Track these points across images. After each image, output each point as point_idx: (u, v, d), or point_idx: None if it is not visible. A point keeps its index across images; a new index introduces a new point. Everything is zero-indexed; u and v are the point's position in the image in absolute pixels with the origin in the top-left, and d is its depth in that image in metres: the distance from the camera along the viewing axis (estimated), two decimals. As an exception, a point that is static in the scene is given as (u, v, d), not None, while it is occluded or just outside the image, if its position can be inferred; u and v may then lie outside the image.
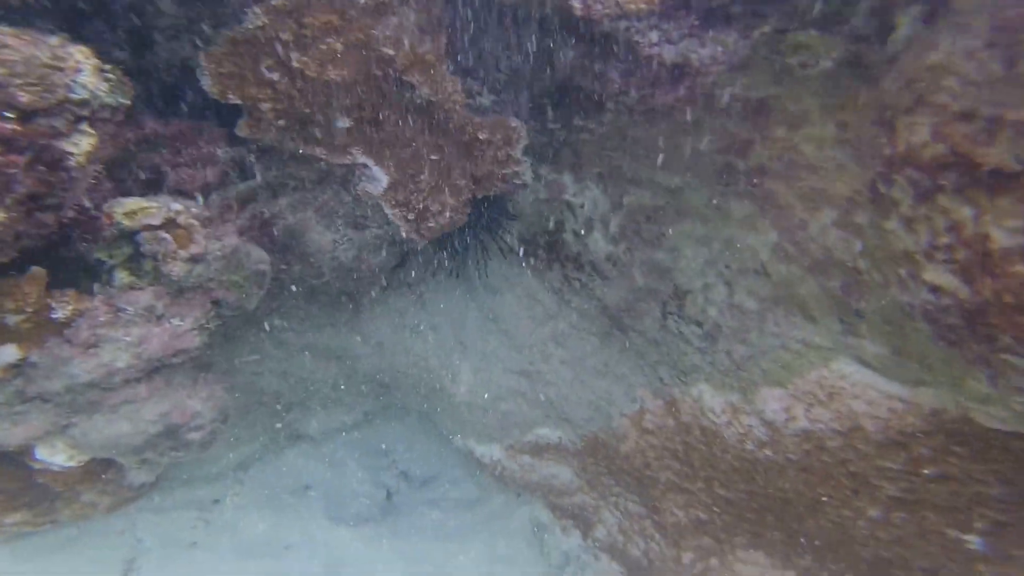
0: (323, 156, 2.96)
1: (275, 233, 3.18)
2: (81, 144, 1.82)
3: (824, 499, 2.95)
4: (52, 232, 1.96)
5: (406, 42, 2.71)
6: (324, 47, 2.55)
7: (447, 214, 3.27)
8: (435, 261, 4.01)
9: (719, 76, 2.24)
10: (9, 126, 1.64)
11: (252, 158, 2.84)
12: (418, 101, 2.86)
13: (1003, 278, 1.63)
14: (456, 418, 4.69)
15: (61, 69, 1.71)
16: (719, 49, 2.10)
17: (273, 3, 2.26)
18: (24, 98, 1.67)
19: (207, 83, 2.36)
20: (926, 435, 2.45)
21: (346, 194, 3.23)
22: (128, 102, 2.02)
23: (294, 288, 3.55)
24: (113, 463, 2.98)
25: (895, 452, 2.57)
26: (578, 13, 2.14)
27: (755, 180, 2.43)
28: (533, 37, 2.55)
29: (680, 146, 2.60)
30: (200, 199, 2.65)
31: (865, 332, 2.54)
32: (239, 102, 2.50)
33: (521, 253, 3.86)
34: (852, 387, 2.64)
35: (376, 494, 5.35)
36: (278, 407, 4.62)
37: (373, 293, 4.12)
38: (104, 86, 1.84)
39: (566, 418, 4.14)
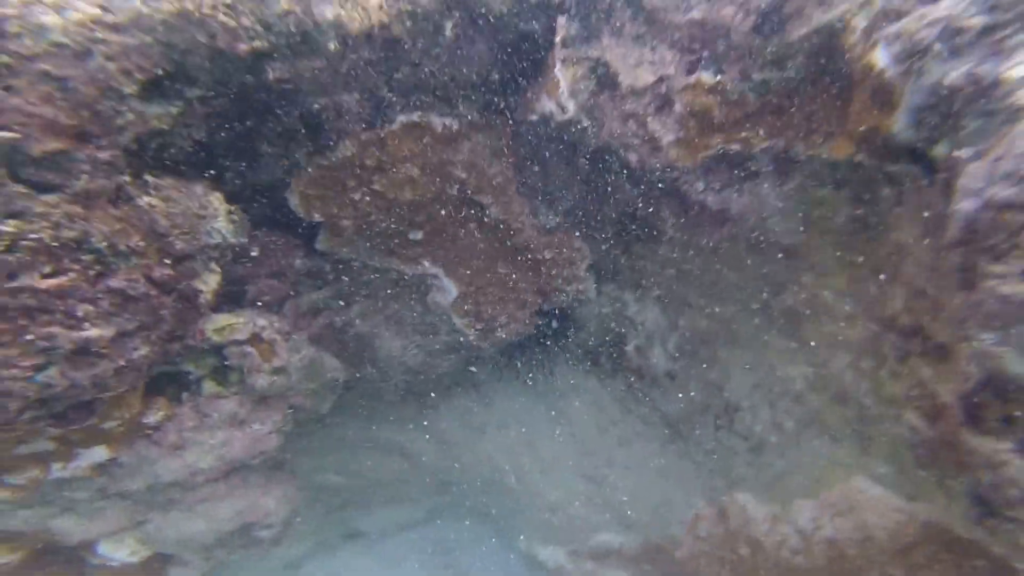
0: (396, 266, 3.19)
1: (347, 340, 3.39)
2: (210, 282, 2.07)
3: None
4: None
5: (478, 165, 2.96)
6: (402, 173, 2.81)
7: (513, 325, 3.41)
8: (502, 366, 4.13)
9: (755, 222, 2.32)
10: (166, 271, 1.87)
11: (327, 267, 3.09)
12: (487, 219, 3.07)
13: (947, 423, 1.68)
14: (521, 519, 4.66)
15: (204, 217, 1.97)
16: (755, 199, 2.20)
17: (362, 137, 2.54)
18: (179, 246, 1.92)
19: (294, 202, 2.64)
20: (922, 543, 2.34)
21: (416, 303, 3.43)
22: (245, 240, 2.28)
23: (361, 392, 3.73)
24: (168, 559, 3.12)
25: (899, 558, 2.46)
26: (634, 165, 2.30)
27: (790, 319, 2.47)
28: (595, 173, 2.73)
29: (728, 281, 2.67)
30: (279, 308, 2.90)
31: (875, 454, 2.48)
32: (322, 219, 2.77)
33: (588, 363, 3.93)
34: (867, 500, 2.59)
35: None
36: (336, 502, 4.74)
37: (437, 393, 4.26)
38: (231, 228, 2.10)
39: (628, 524, 4.06)
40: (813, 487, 2.89)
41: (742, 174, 2.22)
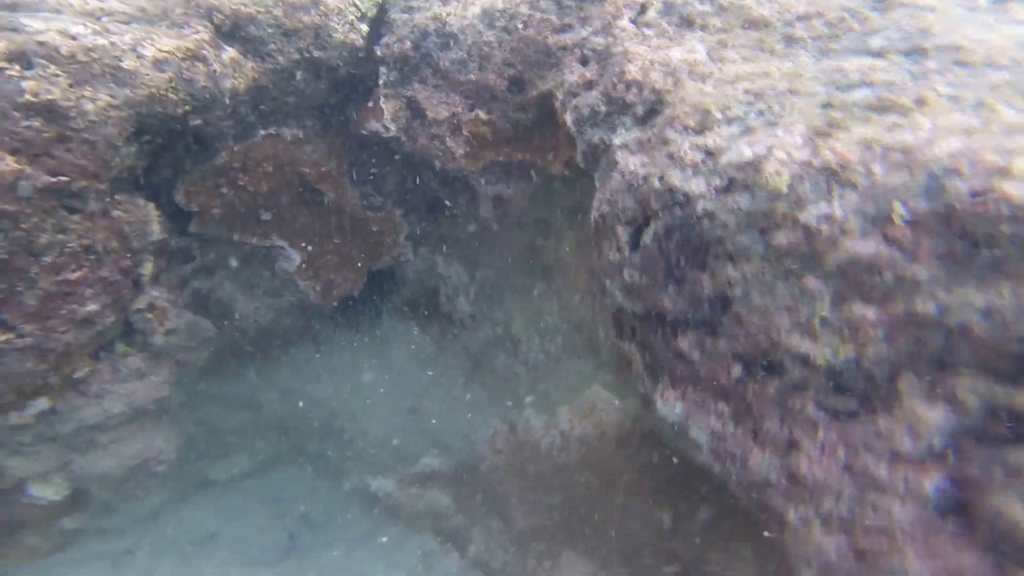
0: (249, 240, 4.17)
1: (210, 305, 4.31)
2: (148, 268, 2.95)
3: (597, 490, 4.46)
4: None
5: (318, 163, 4.03)
6: (261, 169, 3.80)
7: (347, 284, 4.57)
8: (338, 321, 5.24)
9: (518, 205, 3.78)
10: (127, 263, 2.69)
11: (195, 246, 3.99)
12: (325, 202, 4.17)
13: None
14: (353, 458, 5.84)
15: (146, 222, 2.85)
16: (516, 190, 3.66)
17: (234, 149, 3.51)
18: (135, 244, 2.76)
19: (178, 198, 3.53)
20: (634, 433, 4.03)
21: (266, 271, 4.43)
22: (166, 236, 3.15)
23: (221, 350, 4.65)
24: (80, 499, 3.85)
25: (622, 447, 4.14)
26: (438, 168, 3.59)
27: (545, 272, 3.98)
28: (410, 172, 3.99)
29: (505, 244, 4.10)
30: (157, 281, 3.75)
31: (603, 367, 4.09)
32: (196, 208, 3.68)
33: (408, 313, 5.20)
34: (600, 403, 4.15)
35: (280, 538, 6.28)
36: (195, 452, 5.55)
37: (281, 348, 5.26)
38: (159, 228, 2.97)
39: (444, 448, 5.44)
40: (569, 396, 4.37)
41: (507, 174, 3.61)
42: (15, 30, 2.20)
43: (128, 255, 2.77)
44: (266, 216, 4.13)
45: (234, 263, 4.26)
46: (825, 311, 1.90)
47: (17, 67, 2.19)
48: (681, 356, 2.20)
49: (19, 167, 2.18)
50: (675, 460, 3.83)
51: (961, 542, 1.88)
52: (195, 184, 3.53)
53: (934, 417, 1.78)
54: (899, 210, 1.77)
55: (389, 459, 5.75)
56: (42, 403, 3.02)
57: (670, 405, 2.30)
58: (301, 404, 5.62)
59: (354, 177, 4.20)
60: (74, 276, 2.45)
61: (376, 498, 5.95)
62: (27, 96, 2.15)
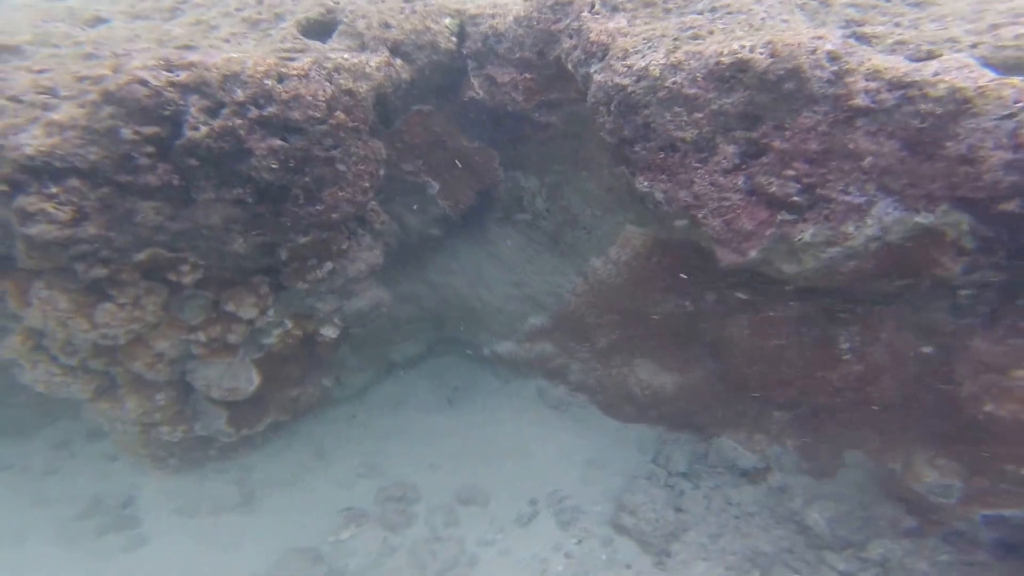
0: (408, 177, 6.81)
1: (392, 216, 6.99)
2: (381, 173, 5.80)
3: (636, 296, 6.75)
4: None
5: (443, 124, 6.64)
6: (415, 131, 6.44)
7: (467, 200, 7.14)
8: (459, 230, 7.83)
9: (562, 125, 6.26)
10: None
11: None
12: (448, 148, 6.75)
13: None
14: (484, 330, 8.34)
15: (379, 150, 5.66)
16: (560, 115, 6.15)
17: (403, 117, 6.18)
18: (375, 158, 5.64)
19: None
20: (656, 248, 6.23)
21: (419, 196, 7.06)
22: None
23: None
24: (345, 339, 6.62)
25: (652, 262, 6.42)
26: (510, 110, 6.15)
27: (588, 165, 6.40)
28: (492, 119, 6.54)
29: (559, 154, 6.56)
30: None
31: (630, 211, 6.43)
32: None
33: (504, 217, 7.72)
34: (631, 234, 6.44)
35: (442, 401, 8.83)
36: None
37: (426, 254, 7.87)
38: (384, 153, 5.87)
39: (543, 307, 7.88)
40: (613, 239, 6.67)
41: (549, 108, 6.09)
42: (327, 57, 4.88)
43: (375, 164, 5.39)
44: (419, 163, 6.77)
45: (402, 192, 6.93)
46: (685, 117, 4.29)
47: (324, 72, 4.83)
48: (638, 154, 4.60)
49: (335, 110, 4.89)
50: (683, 262, 6.14)
51: (757, 204, 4.22)
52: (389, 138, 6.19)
53: (730, 150, 4.16)
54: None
55: (507, 325, 8.26)
56: (329, 265, 5.70)
57: (642, 184, 4.71)
58: (445, 294, 8.25)
59: (463, 131, 6.79)
60: (359, 168, 5.15)
61: (503, 357, 8.47)
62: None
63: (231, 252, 4.86)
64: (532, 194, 7.28)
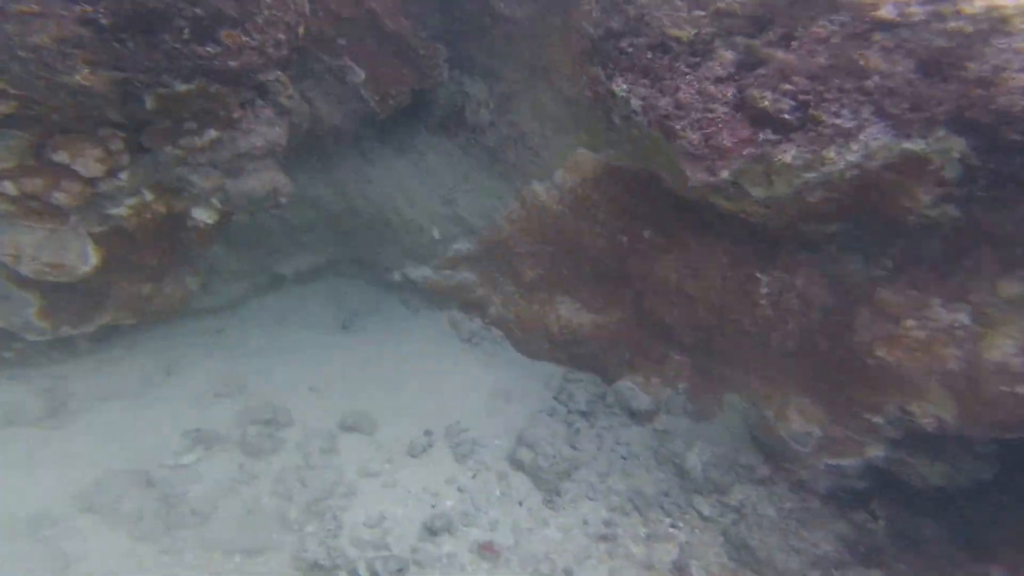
0: (327, 60, 5.57)
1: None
2: (301, 30, 4.51)
3: (587, 233, 5.95)
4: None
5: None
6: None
7: (401, 97, 5.98)
8: (384, 132, 6.67)
9: (526, 23, 5.17)
10: None
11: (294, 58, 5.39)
12: (385, 30, 5.53)
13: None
14: (397, 249, 7.33)
15: None
16: (520, 8, 5.05)
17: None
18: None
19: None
20: (605, 174, 5.48)
21: (340, 83, 5.83)
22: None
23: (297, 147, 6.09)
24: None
25: (600, 187, 5.59)
26: None
27: (542, 74, 5.40)
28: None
29: (513, 57, 5.51)
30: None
31: (584, 134, 5.53)
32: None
33: (441, 128, 6.62)
34: (583, 159, 5.59)
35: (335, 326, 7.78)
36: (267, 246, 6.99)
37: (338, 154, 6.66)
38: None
39: (471, 231, 6.94)
40: (561, 162, 5.86)
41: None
42: None
43: (296, 16, 4.17)
44: (342, 41, 5.51)
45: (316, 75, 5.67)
46: (684, 14, 3.37)
47: None
48: (623, 52, 3.69)
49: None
50: (629, 193, 5.33)
51: (741, 120, 3.43)
52: None
53: (728, 56, 3.30)
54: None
55: (426, 248, 7.26)
56: (212, 132, 4.47)
57: (620, 86, 3.83)
58: (355, 203, 7.10)
59: (407, 12, 5.56)
60: (274, 15, 3.91)
61: (416, 284, 7.50)
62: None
63: (70, 87, 3.57)
64: (478, 103, 6.26)
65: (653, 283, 5.51)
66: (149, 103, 4.00)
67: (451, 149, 6.69)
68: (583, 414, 6.02)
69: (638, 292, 5.89)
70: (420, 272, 7.41)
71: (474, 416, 5.98)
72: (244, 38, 4.08)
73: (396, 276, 7.56)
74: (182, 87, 4.02)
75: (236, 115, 4.59)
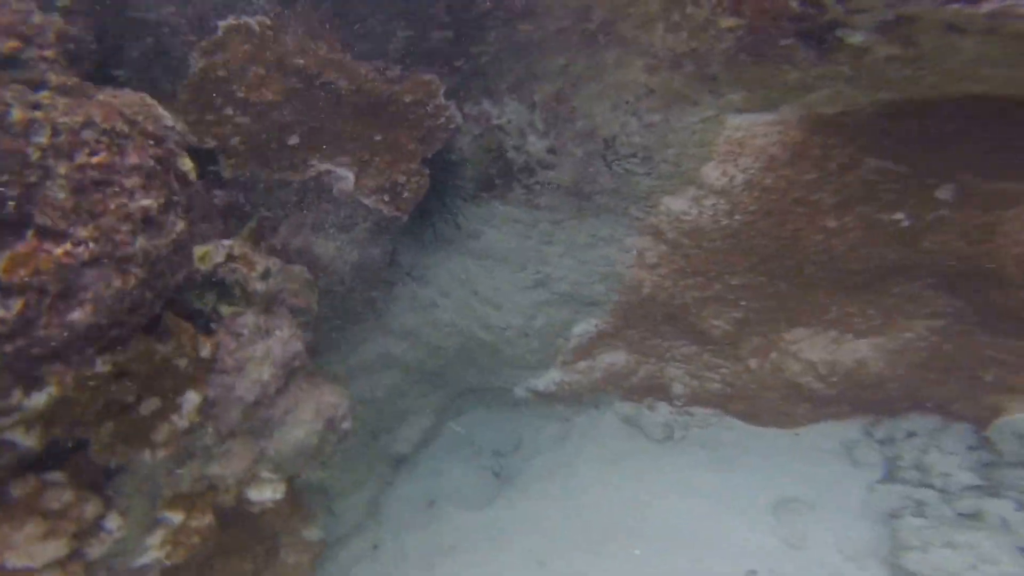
0: (290, 177, 3.44)
1: (291, 258, 3.63)
2: (188, 164, 2.32)
3: (793, 233, 3.57)
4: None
5: (308, 49, 3.23)
6: (251, 73, 3.04)
7: (414, 180, 3.79)
8: (418, 234, 4.50)
9: None
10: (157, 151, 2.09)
11: (242, 198, 3.29)
12: (343, 93, 3.37)
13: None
14: (506, 365, 5.15)
15: (149, 106, 2.20)
16: None
17: (203, 45, 2.74)
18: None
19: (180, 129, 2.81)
20: (807, 139, 3.10)
21: (327, 202, 3.71)
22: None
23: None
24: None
25: (804, 165, 3.21)
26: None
27: (607, 31, 3.05)
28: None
29: (547, 32, 3.21)
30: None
31: (726, 92, 3.17)
32: (215, 144, 2.96)
33: (482, 190, 4.40)
34: (747, 132, 3.27)
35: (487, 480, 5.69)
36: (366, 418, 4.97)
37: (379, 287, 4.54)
38: (170, 116, 2.33)
39: (591, 302, 4.66)
40: (704, 151, 3.53)
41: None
42: None
43: (151, 142, 2.07)
44: (293, 140, 3.39)
45: (292, 207, 3.55)
46: None
47: None
48: None
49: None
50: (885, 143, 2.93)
51: None
52: (192, 109, 2.80)
53: None
54: None
55: (541, 349, 5.06)
56: (192, 396, 2.40)
57: None
58: (429, 339, 4.96)
59: (353, 41, 3.39)
60: (95, 160, 1.76)
61: (549, 395, 5.30)
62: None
63: None
64: (519, 131, 3.99)
65: (999, 258, 3.03)
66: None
67: (511, 212, 4.45)
68: (979, 488, 3.58)
69: (958, 281, 3.48)
70: (548, 379, 5.22)
71: (772, 556, 3.57)
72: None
73: (521, 392, 5.39)
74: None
75: (204, 353, 2.50)
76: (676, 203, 3.74)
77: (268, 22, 3.05)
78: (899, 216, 3.28)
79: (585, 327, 4.91)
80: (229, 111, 2.92)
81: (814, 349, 4.14)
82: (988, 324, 3.75)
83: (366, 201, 3.72)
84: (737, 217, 3.54)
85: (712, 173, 3.42)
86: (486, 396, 5.90)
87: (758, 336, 4.16)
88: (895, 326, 3.79)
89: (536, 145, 3.99)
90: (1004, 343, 3.61)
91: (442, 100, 3.60)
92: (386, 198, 3.76)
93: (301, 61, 3.17)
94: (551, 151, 3.99)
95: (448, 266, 4.74)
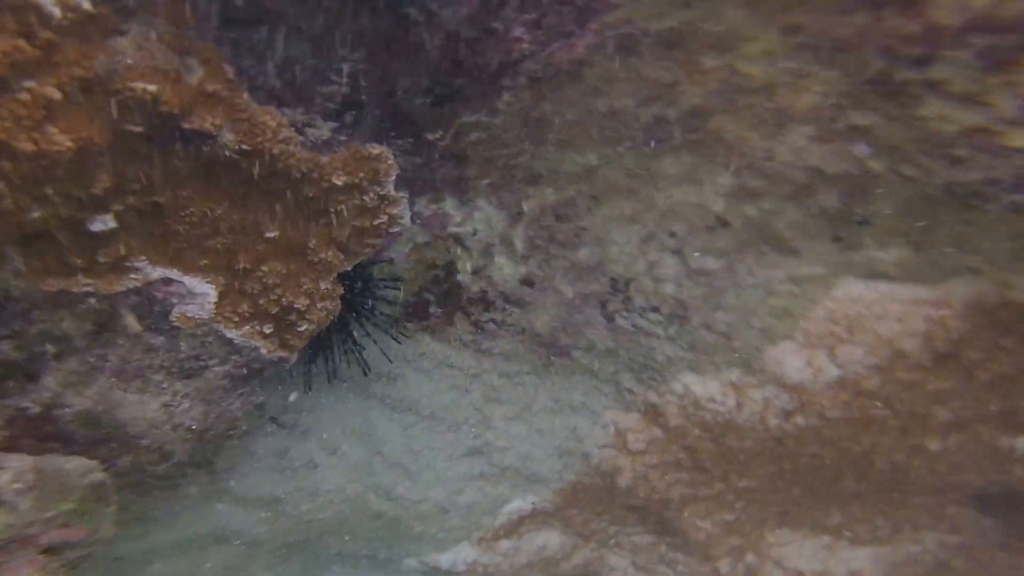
0: (90, 285, 1.82)
1: (66, 429, 1.92)
2: None
3: (869, 449, 2.54)
4: None
5: (161, 68, 1.70)
6: (34, 96, 1.45)
7: (320, 304, 2.27)
8: (301, 373, 2.93)
9: (630, 5, 1.62)
10: None
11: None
12: (224, 156, 1.85)
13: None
14: (407, 539, 3.61)
15: None
16: None
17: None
18: None
19: None
20: (970, 335, 2.11)
21: (156, 334, 2.08)
22: None
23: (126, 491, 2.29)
24: None
25: (947, 370, 2.21)
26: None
27: (692, 125, 1.87)
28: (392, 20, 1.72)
29: (591, 112, 1.96)
30: None
31: (864, 241, 2.14)
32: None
33: (414, 320, 2.97)
34: (871, 308, 2.22)
35: None
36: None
37: (225, 451, 2.94)
38: None
39: (534, 479, 3.33)
40: (783, 325, 2.39)
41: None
42: None
43: None
44: (104, 223, 1.77)
45: (78, 340, 1.88)
46: None
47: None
48: None
49: None
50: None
51: None
52: None
53: None
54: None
55: (461, 523, 3.60)
56: None
57: None
58: (299, 511, 3.31)
59: (256, 83, 1.90)
60: None
61: (453, 573, 3.80)
62: None
63: None
64: (484, 247, 2.65)
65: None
66: None
67: (446, 354, 3.04)
68: None
69: (999, 500, 2.62)
70: (456, 555, 3.76)
71: None
72: None
73: (412, 564, 3.87)
74: None
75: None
76: (703, 385, 2.57)
77: (84, 5, 1.50)
78: (1019, 442, 2.33)
79: (520, 504, 3.58)
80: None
81: (801, 556, 3.10)
82: (1016, 547, 2.94)
83: (231, 334, 2.15)
84: (798, 421, 2.41)
85: (788, 359, 2.28)
86: (359, 563, 4.25)
87: (740, 538, 3.03)
88: (903, 536, 2.84)
89: (506, 271, 2.68)
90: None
91: (391, 189, 2.18)
92: (267, 330, 2.22)
93: (151, 88, 1.62)
94: (527, 282, 2.69)
95: (340, 412, 3.19)
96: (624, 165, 2.05)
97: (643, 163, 2.03)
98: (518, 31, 1.58)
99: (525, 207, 2.46)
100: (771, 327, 2.28)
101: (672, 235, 2.29)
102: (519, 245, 2.59)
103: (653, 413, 2.87)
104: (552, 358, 2.89)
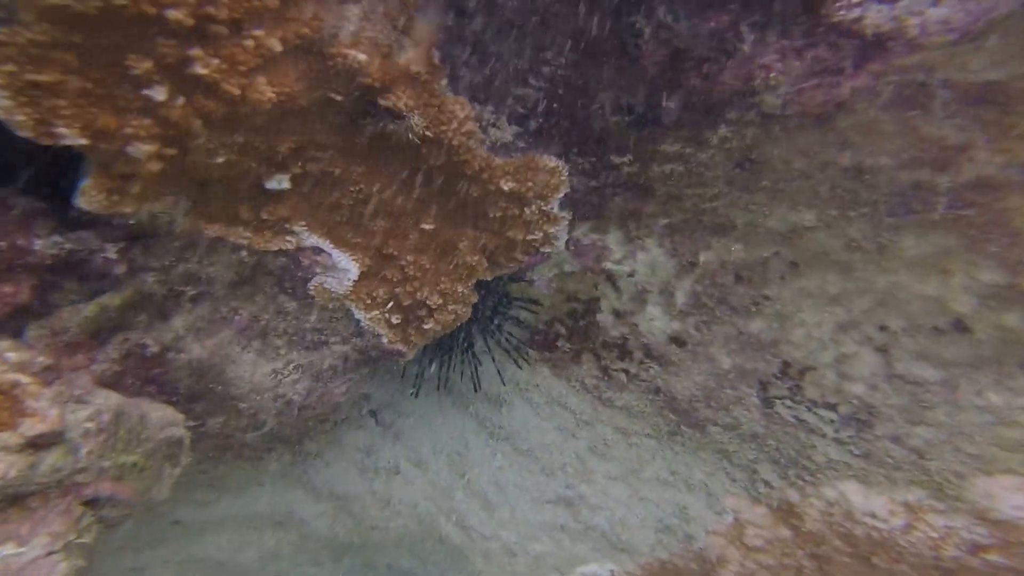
0: (246, 239, 1.75)
1: (174, 375, 1.86)
2: None
3: None
4: None
5: (381, 45, 1.61)
6: (251, 43, 1.39)
7: (452, 308, 2.12)
8: (411, 376, 2.80)
9: (937, 51, 1.32)
10: None
11: (112, 252, 1.56)
12: (406, 139, 1.74)
13: None
14: (463, 570, 3.37)
15: None
16: (968, 8, 1.17)
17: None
18: None
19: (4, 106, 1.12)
20: None
21: (290, 299, 2.00)
22: None
23: (204, 453, 2.23)
24: None
25: None
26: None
27: (967, 200, 1.51)
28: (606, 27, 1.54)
29: (828, 165, 1.65)
30: (21, 332, 1.37)
31: None
32: (83, 142, 1.25)
33: (536, 350, 2.76)
34: None
35: None
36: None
37: (316, 432, 2.84)
38: None
39: (620, 546, 2.98)
40: (1001, 459, 1.96)
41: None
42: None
43: None
44: (279, 182, 1.70)
45: (219, 288, 1.82)
46: None
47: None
48: None
49: None
50: None
51: None
52: (42, 62, 1.11)
53: None
54: None
55: (525, 572, 3.31)
56: None
57: None
58: (366, 516, 3.16)
59: (459, 71, 1.77)
60: None
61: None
62: None
63: None
64: (638, 291, 2.38)
65: None
66: None
67: (562, 393, 2.80)
68: None
69: None
70: None
71: None
72: None
73: None
74: None
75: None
76: (865, 497, 2.16)
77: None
78: None
79: (596, 569, 3.23)
80: (159, 93, 1.24)
81: None
82: None
83: (360, 315, 2.04)
84: (990, 558, 1.94)
85: (1004, 495, 1.83)
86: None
87: None
88: None
89: (656, 323, 2.39)
90: None
91: (555, 207, 1.98)
92: (395, 320, 2.08)
93: (361, 57, 1.53)
94: (677, 340, 2.39)
95: (437, 425, 3.02)
96: (848, 234, 1.73)
97: (875, 235, 1.69)
98: (769, 58, 1.33)
99: (702, 258, 2.18)
100: (992, 456, 1.84)
101: (882, 329, 1.92)
102: (680, 299, 2.31)
103: (787, 512, 2.47)
104: (683, 427, 2.57)
